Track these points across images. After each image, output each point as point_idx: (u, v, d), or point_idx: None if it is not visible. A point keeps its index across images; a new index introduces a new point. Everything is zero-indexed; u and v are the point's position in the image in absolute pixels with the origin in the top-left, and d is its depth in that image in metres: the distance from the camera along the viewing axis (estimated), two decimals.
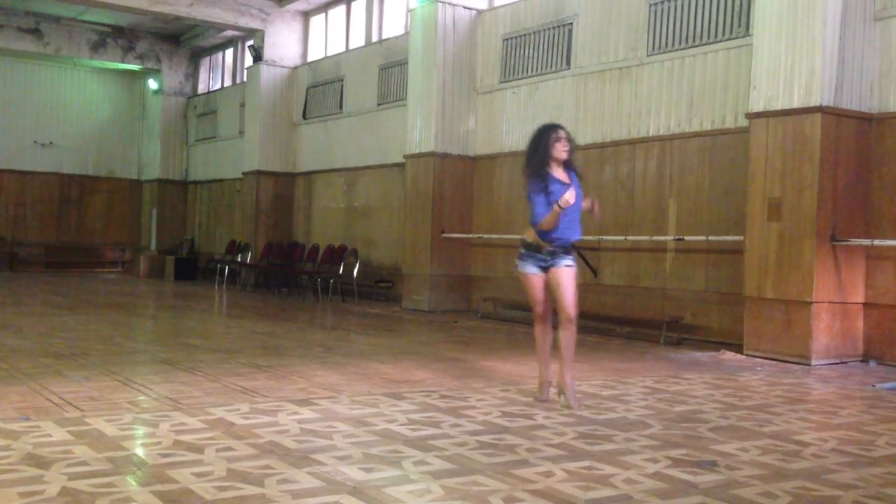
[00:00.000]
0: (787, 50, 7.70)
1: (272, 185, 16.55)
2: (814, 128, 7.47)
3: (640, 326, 9.46)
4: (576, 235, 5.27)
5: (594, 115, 10.48)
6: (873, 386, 6.46)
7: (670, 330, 9.00)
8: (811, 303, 7.44)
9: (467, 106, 12.24)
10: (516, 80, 11.66)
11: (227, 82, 19.86)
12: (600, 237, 10.10)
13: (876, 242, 7.57)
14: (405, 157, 12.53)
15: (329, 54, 16.05)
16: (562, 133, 5.26)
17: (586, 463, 3.88)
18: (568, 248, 5.27)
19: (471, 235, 12.08)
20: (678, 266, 9.39)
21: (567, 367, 5.25)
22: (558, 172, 5.24)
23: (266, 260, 15.88)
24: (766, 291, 7.80)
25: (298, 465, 3.69)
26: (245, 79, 17.57)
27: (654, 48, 9.76)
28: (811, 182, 7.50)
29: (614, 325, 9.76)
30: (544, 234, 5.18)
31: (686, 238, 9.07)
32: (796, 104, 7.60)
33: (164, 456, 3.77)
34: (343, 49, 15.61)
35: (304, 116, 16.42)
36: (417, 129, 12.24)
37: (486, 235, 11.82)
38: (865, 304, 7.76)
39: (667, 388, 6.09)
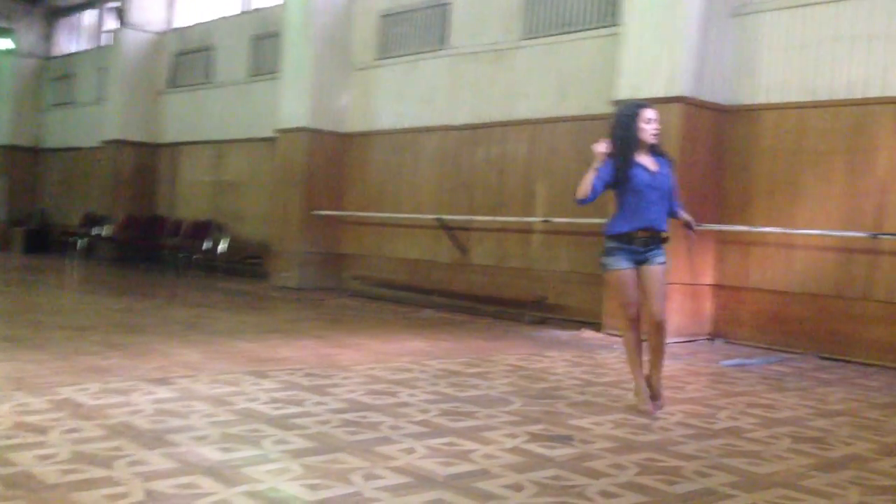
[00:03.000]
0: (652, 41, 7.99)
1: (134, 154, 15.81)
2: (674, 117, 7.79)
3: (506, 306, 9.65)
4: (663, 225, 4.76)
5: (468, 96, 10.56)
6: (718, 363, 6.85)
7: (535, 309, 9.23)
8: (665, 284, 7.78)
9: (342, 82, 12.08)
10: (393, 57, 11.59)
11: (87, 45, 18.79)
12: (470, 217, 10.22)
13: (725, 227, 8.00)
14: (277, 131, 12.25)
15: (199, 21, 15.45)
16: (652, 113, 4.69)
17: (447, 439, 3.93)
18: (663, 240, 4.76)
19: (342, 213, 11.97)
20: (544, 247, 9.62)
21: (654, 370, 4.83)
22: (644, 158, 4.68)
23: (126, 233, 15.21)
24: None
25: (151, 446, 3.56)
26: (106, 42, 16.68)
27: (528, 32, 9.91)
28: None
29: (482, 304, 9.92)
30: (632, 223, 4.67)
31: (552, 220, 9.31)
32: (659, 93, 7.90)
33: (5, 438, 3.56)
34: (214, 16, 15.06)
35: (169, 85, 15.77)
36: (290, 104, 11.98)
37: (358, 213, 11.74)
38: (714, 286, 8.20)
39: (529, 365, 6.25)
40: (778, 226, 7.68)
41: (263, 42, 13.68)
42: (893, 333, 7.02)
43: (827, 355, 7.32)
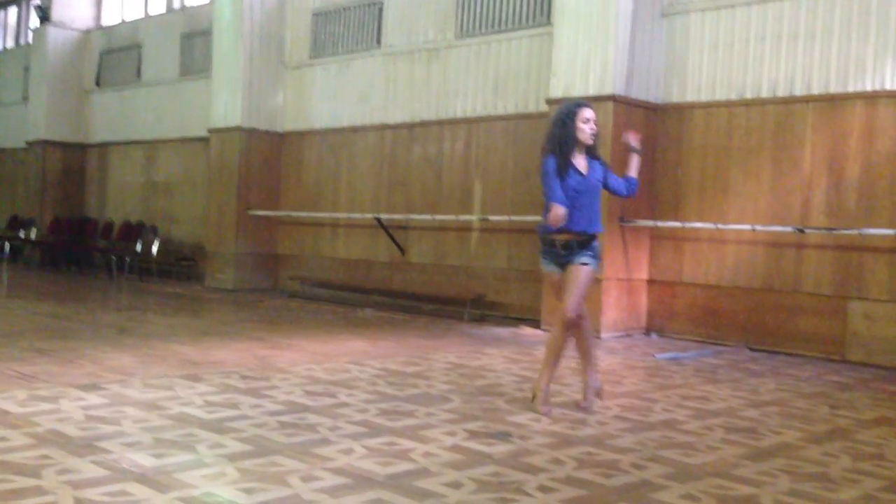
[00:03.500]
0: (584, 40, 8.09)
1: (61, 155, 15.36)
2: (606, 115, 7.90)
3: (445, 304, 9.67)
4: (595, 227, 4.66)
5: (403, 95, 10.54)
6: (653, 356, 6.98)
7: (474, 307, 9.27)
8: (601, 280, 7.91)
9: (276, 81, 11.93)
10: (326, 56, 11.50)
11: (10, 44, 18.19)
12: (408, 216, 10.21)
13: (659, 224, 8.15)
14: (209, 130, 12.04)
15: (126, 19, 15.09)
16: (590, 113, 4.63)
17: (387, 439, 3.91)
18: (586, 243, 4.65)
19: (278, 213, 11.83)
20: (482, 245, 9.67)
21: (585, 365, 4.83)
22: (579, 160, 4.63)
23: (54, 236, 14.76)
24: None
25: (81, 453, 3.46)
26: (30, 40, 16.16)
27: (462, 32, 9.94)
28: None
29: (421, 302, 9.92)
30: (549, 228, 4.58)
31: (490, 217, 9.35)
32: (591, 92, 8.00)
33: None
34: (141, 14, 14.73)
35: (97, 84, 15.37)
36: (223, 103, 11.79)
37: (293, 213, 11.62)
38: (649, 281, 8.35)
39: (468, 363, 6.27)
40: (709, 221, 7.85)
41: (194, 40, 13.43)
42: (820, 324, 7.25)
43: (758, 347, 7.52)
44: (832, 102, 7.28)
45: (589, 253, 4.64)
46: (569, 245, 4.62)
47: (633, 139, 4.85)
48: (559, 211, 4.45)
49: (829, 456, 3.95)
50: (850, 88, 7.16)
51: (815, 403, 5.24)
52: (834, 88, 7.28)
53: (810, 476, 3.59)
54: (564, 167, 4.57)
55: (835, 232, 7.08)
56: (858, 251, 7.06)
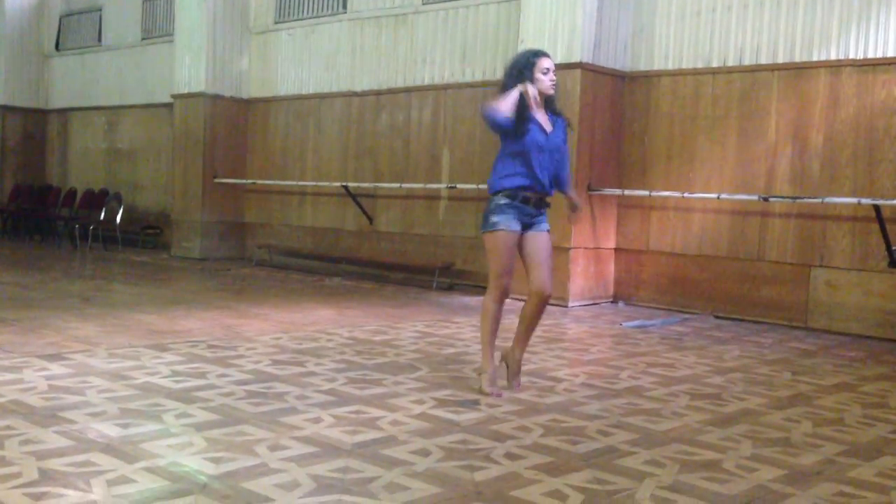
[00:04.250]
0: (552, 7, 8.03)
1: (20, 122, 15.00)
2: (574, 83, 7.89)
3: (413, 272, 9.66)
4: (551, 190, 4.34)
5: (370, 61, 10.42)
6: (620, 325, 7.04)
7: (442, 275, 9.27)
8: (569, 248, 7.95)
9: (240, 46, 11.73)
10: (291, 21, 11.31)
11: None
12: (376, 184, 10.15)
13: (626, 192, 8.18)
14: (173, 96, 11.83)
15: None
16: (549, 62, 4.24)
17: (355, 407, 3.92)
18: (547, 206, 4.35)
19: (244, 181, 11.69)
20: (451, 213, 9.64)
21: (523, 344, 4.48)
22: (540, 115, 4.24)
23: (14, 204, 14.47)
24: None
25: (45, 423, 3.42)
26: None
27: None
28: (571, 134, 7.93)
29: (389, 271, 9.91)
30: (525, 180, 4.18)
31: (458, 186, 9.33)
32: (559, 60, 7.94)
33: None
34: None
35: (57, 48, 15.00)
36: (186, 68, 11.57)
37: (260, 181, 11.50)
38: (616, 250, 8.40)
39: (436, 331, 6.28)
40: (676, 190, 7.91)
41: (156, 3, 13.14)
42: (783, 292, 7.36)
43: (722, 315, 7.62)
44: (797, 71, 7.32)
45: (547, 217, 4.35)
46: (539, 205, 4.27)
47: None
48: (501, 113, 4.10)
49: (791, 421, 4.03)
50: (815, 57, 7.21)
51: (777, 370, 5.34)
52: (799, 57, 7.32)
53: (772, 441, 3.66)
54: (522, 122, 4.15)
55: (798, 200, 7.16)
56: (821, 220, 7.16)
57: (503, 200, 4.21)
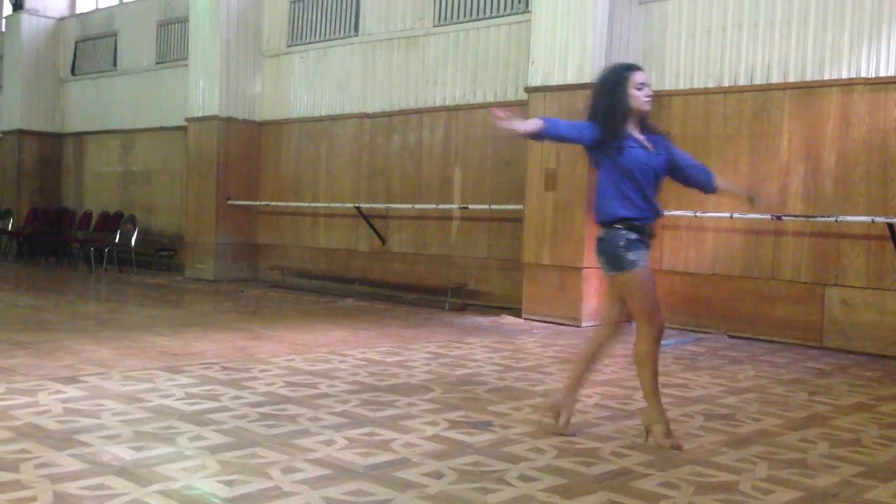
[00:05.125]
0: (562, 28, 8.08)
1: (37, 145, 15.17)
2: (585, 103, 7.89)
3: (426, 293, 9.67)
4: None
5: (382, 83, 10.49)
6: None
7: (455, 296, 9.27)
8: (582, 268, 7.94)
9: (254, 69, 11.85)
10: (304, 44, 11.42)
11: None
12: (388, 205, 10.19)
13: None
14: (187, 120, 11.94)
15: (101, 6, 14.90)
16: (643, 76, 3.90)
17: (367, 429, 3.91)
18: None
19: (258, 203, 11.76)
20: (463, 234, 9.66)
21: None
22: (636, 134, 3.89)
23: (31, 227, 14.60)
24: (542, 258, 8.23)
25: (60, 447, 3.44)
26: (3, 28, 15.93)
27: (440, 19, 9.89)
28: (583, 155, 7.93)
29: (401, 291, 9.91)
30: (644, 208, 3.82)
31: (470, 206, 9.35)
32: (570, 80, 8.01)
33: None
34: (116, 1, 14.55)
35: (72, 72, 15.18)
36: (200, 92, 11.69)
37: (273, 203, 11.56)
38: None
39: (449, 352, 6.28)
40: (688, 209, 7.88)
41: (170, 28, 13.29)
42: (797, 311, 7.31)
43: (736, 334, 7.58)
44: (809, 90, 7.32)
45: None
46: (653, 236, 3.90)
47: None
48: (535, 125, 3.80)
49: (807, 442, 3.99)
50: (827, 76, 7.21)
51: (793, 390, 5.30)
52: (810, 76, 7.32)
53: (788, 462, 3.63)
54: (616, 139, 3.80)
55: (812, 219, 7.13)
56: (835, 238, 7.13)
57: (633, 236, 3.81)
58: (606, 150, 3.83)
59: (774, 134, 7.51)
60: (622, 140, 3.82)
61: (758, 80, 7.59)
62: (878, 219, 6.70)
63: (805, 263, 7.30)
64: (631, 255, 3.81)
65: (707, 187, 4.08)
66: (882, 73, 6.93)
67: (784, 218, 7.26)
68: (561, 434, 3.91)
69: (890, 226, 6.57)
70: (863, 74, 7.02)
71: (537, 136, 3.91)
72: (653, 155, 3.89)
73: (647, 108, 3.90)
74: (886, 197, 6.88)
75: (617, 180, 3.84)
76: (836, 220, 6.96)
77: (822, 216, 7.08)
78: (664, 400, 4.78)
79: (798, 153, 7.36)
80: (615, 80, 3.89)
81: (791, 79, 7.41)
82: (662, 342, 7.02)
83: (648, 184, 3.86)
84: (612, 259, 3.85)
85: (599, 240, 3.92)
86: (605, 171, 3.89)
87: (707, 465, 3.55)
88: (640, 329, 3.92)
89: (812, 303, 7.24)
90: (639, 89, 3.86)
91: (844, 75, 7.12)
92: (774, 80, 7.49)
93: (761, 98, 7.59)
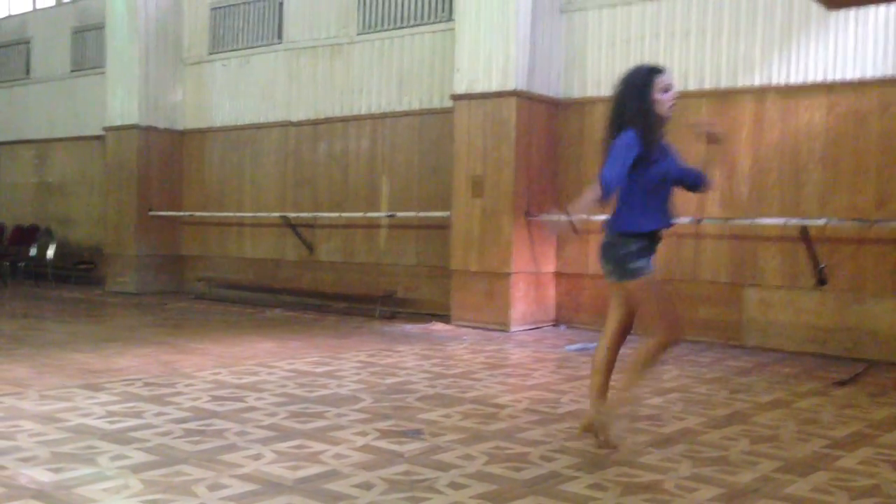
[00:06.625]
0: (486, 36, 8.15)
1: None
2: (510, 110, 8.00)
3: (355, 302, 9.61)
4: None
5: (307, 91, 10.41)
6: (562, 348, 7.10)
7: (385, 304, 9.24)
8: (510, 273, 8.01)
9: (174, 77, 11.61)
10: (226, 51, 11.25)
11: None
12: (315, 214, 10.10)
13: (563, 217, 8.28)
14: (105, 129, 11.63)
15: (13, 12, 14.40)
16: (670, 79, 3.78)
17: (297, 442, 3.87)
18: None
19: (181, 213, 11.52)
20: (391, 241, 9.65)
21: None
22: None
23: None
24: (470, 264, 8.27)
25: None
26: None
27: (364, 27, 9.87)
28: (508, 161, 8.04)
29: (330, 301, 9.84)
30: (660, 220, 3.80)
31: (398, 214, 9.34)
32: (494, 87, 8.09)
33: None
34: (29, 8, 14.08)
35: None
36: (118, 100, 11.39)
37: (197, 213, 11.34)
38: (556, 274, 8.50)
39: (379, 361, 6.25)
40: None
41: (86, 35, 12.94)
42: (718, 311, 7.52)
43: None
44: (724, 97, 7.55)
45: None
46: (660, 239, 3.83)
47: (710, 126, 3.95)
48: (594, 195, 3.57)
49: (729, 440, 4.10)
50: (740, 83, 7.45)
51: (715, 389, 5.44)
52: (725, 83, 7.55)
53: (711, 460, 3.72)
54: (651, 148, 3.66)
55: (729, 222, 7.35)
56: (752, 240, 7.36)
57: (639, 244, 3.74)
58: (639, 163, 3.67)
59: (692, 139, 7.68)
60: (656, 153, 3.68)
61: (675, 88, 7.77)
62: (791, 221, 6.95)
63: (724, 265, 7.52)
64: (639, 263, 3.73)
65: (703, 187, 4.02)
66: (792, 81, 7.20)
67: (703, 221, 7.46)
68: (612, 447, 3.76)
69: (803, 228, 6.82)
70: (774, 82, 7.28)
71: (603, 198, 3.63)
72: (671, 163, 3.82)
73: (669, 115, 3.76)
74: (799, 199, 7.14)
75: (643, 193, 3.72)
76: (752, 223, 7.19)
77: (739, 219, 7.30)
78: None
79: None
80: (642, 82, 3.73)
81: (707, 86, 7.63)
82: (590, 345, 7.12)
83: (669, 194, 3.80)
84: (620, 267, 3.76)
85: (607, 246, 3.82)
86: (632, 181, 3.69)
87: (633, 465, 3.61)
88: (655, 333, 3.76)
89: (731, 303, 7.45)
90: (664, 92, 3.73)
91: (757, 83, 7.37)
92: (691, 87, 7.70)
93: (679, 105, 7.73)
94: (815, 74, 7.10)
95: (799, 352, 7.01)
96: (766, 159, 7.31)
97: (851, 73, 6.94)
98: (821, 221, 6.84)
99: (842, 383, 5.72)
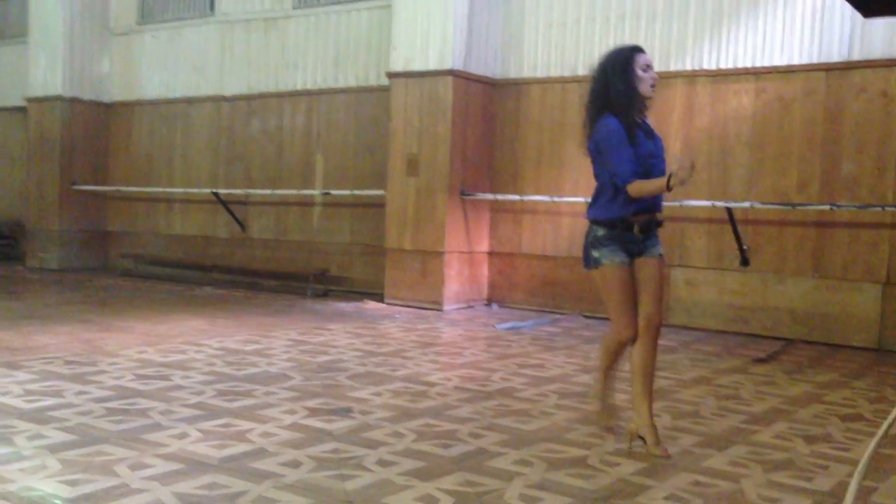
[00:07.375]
0: (423, 15, 8.09)
1: None
2: (446, 89, 7.98)
3: (287, 280, 9.51)
4: (661, 206, 3.77)
5: (241, 65, 10.20)
6: (494, 327, 7.16)
7: (317, 282, 9.17)
8: (443, 252, 8.02)
9: (101, 47, 11.24)
10: (156, 23, 10.94)
11: None
12: (248, 191, 9.94)
13: (498, 197, 8.33)
14: (27, 100, 11.21)
15: None
16: (648, 58, 3.67)
17: (223, 420, 3.81)
18: (657, 227, 3.74)
19: (106, 188, 11.21)
20: (325, 220, 9.55)
21: (648, 396, 3.66)
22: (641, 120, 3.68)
23: None
24: (404, 243, 8.25)
25: None
26: None
27: (300, 1, 9.71)
28: (444, 140, 8.03)
29: (262, 278, 9.71)
30: (628, 205, 3.57)
31: (332, 192, 9.25)
32: (431, 66, 8.05)
33: None
34: None
35: None
36: (41, 70, 10.99)
37: (124, 188, 11.05)
38: (489, 253, 8.54)
39: (310, 339, 6.20)
40: (545, 194, 8.11)
41: (7, 1, 12.41)
42: None
43: (591, 315, 7.87)
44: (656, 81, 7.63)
45: (659, 239, 3.74)
46: (648, 227, 3.66)
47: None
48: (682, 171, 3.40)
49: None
50: (672, 67, 7.56)
51: None
52: (658, 67, 7.58)
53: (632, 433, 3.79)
54: (632, 129, 3.60)
55: None
56: (680, 222, 7.51)
57: (603, 232, 3.64)
58: (620, 139, 3.57)
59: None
60: (634, 131, 3.60)
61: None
62: (718, 203, 7.11)
63: None
64: (601, 252, 3.64)
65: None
66: (722, 66, 7.34)
67: None
68: (663, 452, 3.53)
69: (729, 210, 6.98)
70: (705, 66, 7.41)
71: (622, 189, 3.57)
72: (657, 142, 3.72)
73: (651, 93, 3.67)
74: (726, 182, 7.30)
75: (625, 171, 3.57)
76: (681, 205, 7.33)
77: (668, 200, 7.42)
78: (521, 380, 4.92)
79: None
80: (624, 60, 3.64)
81: None
82: (520, 324, 7.17)
83: (656, 174, 3.61)
84: (585, 254, 3.73)
85: (586, 234, 3.75)
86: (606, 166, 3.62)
87: (560, 441, 3.66)
88: (609, 329, 3.79)
89: None
90: (644, 70, 3.64)
91: (689, 67, 7.49)
92: None
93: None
94: (744, 60, 7.25)
95: (723, 330, 7.20)
96: (695, 142, 7.45)
97: (779, 60, 7.10)
98: (745, 204, 7.02)
99: (761, 361, 5.91)
